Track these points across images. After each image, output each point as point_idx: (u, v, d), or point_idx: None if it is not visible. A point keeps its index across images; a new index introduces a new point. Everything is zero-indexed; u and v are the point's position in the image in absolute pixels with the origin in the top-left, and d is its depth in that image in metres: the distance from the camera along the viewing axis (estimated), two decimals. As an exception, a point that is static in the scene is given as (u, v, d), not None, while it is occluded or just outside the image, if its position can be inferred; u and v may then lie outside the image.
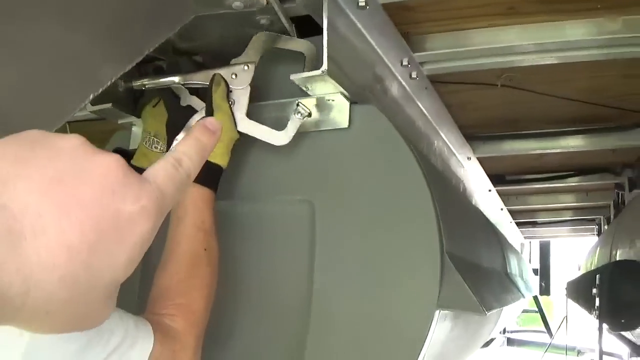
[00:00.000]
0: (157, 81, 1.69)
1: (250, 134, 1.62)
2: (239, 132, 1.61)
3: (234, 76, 1.63)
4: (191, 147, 0.80)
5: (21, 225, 0.58)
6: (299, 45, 1.65)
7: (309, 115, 1.61)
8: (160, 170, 0.74)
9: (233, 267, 1.68)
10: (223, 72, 1.64)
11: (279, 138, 1.61)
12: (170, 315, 1.33)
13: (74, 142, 0.66)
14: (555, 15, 2.14)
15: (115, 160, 0.68)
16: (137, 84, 1.70)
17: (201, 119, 0.89)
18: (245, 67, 1.63)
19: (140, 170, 1.58)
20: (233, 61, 1.65)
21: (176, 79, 1.65)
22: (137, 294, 1.73)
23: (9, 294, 0.57)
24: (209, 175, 1.54)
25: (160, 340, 1.22)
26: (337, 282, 1.58)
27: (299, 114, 1.60)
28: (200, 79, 1.66)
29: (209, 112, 1.58)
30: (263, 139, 1.62)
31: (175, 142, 1.63)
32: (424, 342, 1.49)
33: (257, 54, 1.65)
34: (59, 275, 0.59)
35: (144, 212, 0.68)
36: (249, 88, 1.63)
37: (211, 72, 1.62)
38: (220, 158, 1.55)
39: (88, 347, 1.05)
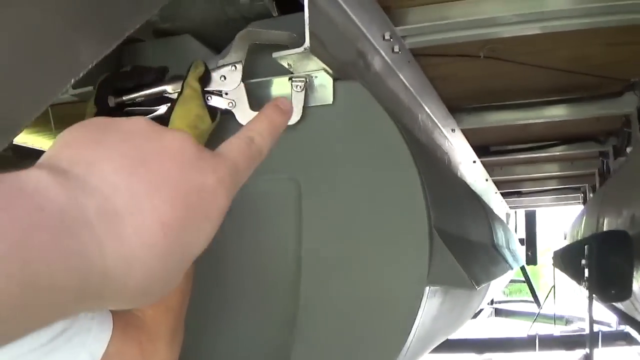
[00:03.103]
0: (147, 92, 1.66)
1: None
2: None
3: (223, 78, 1.62)
4: (262, 124, 0.80)
5: (115, 205, 0.57)
6: (280, 37, 1.63)
7: (307, 85, 1.60)
8: (233, 146, 0.74)
9: (218, 249, 1.67)
10: (212, 75, 1.63)
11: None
12: None
13: (141, 123, 0.66)
14: (537, -16, 2.14)
15: (186, 136, 0.67)
16: (127, 97, 1.67)
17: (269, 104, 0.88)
18: (233, 68, 1.62)
19: None
20: (220, 63, 1.63)
21: (168, 87, 1.63)
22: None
23: (114, 275, 0.56)
24: None
25: (121, 328, 1.19)
26: (325, 261, 1.57)
27: (298, 87, 1.59)
28: None
29: (181, 89, 1.57)
30: None
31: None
32: (415, 318, 1.48)
33: (243, 52, 1.64)
34: (157, 252, 0.59)
35: (223, 184, 0.67)
36: (242, 85, 1.62)
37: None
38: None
39: None
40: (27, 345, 1.02)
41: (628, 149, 4.00)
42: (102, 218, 0.55)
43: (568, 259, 4.45)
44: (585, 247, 2.87)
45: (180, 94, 1.56)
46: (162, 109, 1.61)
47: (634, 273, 2.22)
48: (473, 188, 3.95)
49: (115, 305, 0.61)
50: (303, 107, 1.60)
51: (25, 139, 3.85)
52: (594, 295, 3.00)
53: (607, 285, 2.38)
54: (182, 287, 1.40)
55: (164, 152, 0.63)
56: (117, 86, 1.68)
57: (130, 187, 0.58)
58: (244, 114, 1.60)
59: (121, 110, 1.68)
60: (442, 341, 2.82)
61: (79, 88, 1.75)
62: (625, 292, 2.25)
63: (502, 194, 6.48)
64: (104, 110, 1.66)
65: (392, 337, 1.50)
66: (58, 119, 3.12)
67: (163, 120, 1.55)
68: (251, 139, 0.76)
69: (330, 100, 1.61)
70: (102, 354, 1.13)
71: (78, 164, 0.58)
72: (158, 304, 1.30)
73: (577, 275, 3.34)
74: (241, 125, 1.60)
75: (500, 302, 11.42)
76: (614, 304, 3.77)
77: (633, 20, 2.22)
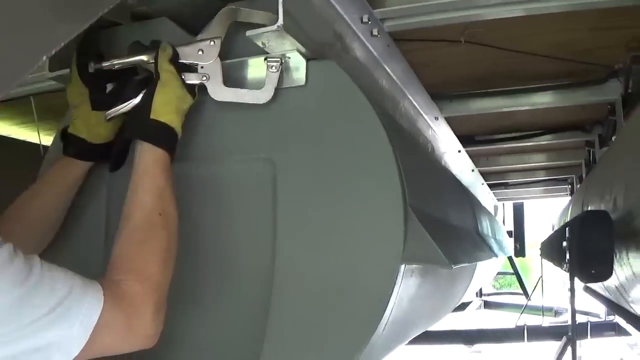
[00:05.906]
0: (126, 60, 1.67)
1: (230, 100, 1.62)
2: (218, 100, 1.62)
3: (200, 52, 1.63)
4: None
5: None
6: (261, 17, 1.62)
7: (281, 66, 1.60)
8: None
9: (193, 231, 1.66)
10: (189, 48, 1.63)
11: (261, 96, 1.60)
12: (125, 280, 1.31)
13: None
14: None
15: None
16: (106, 64, 1.68)
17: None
18: (212, 43, 1.62)
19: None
20: (199, 37, 1.65)
21: (144, 57, 1.63)
22: (100, 266, 1.71)
23: None
24: (160, 135, 1.50)
25: (111, 302, 1.22)
26: (300, 241, 1.56)
27: (273, 68, 1.59)
28: None
29: (156, 75, 1.56)
30: (245, 102, 1.61)
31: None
32: (390, 297, 1.48)
33: (223, 28, 1.64)
34: None
35: None
36: (218, 60, 1.62)
37: (178, 49, 1.62)
38: (169, 118, 1.52)
39: (24, 300, 1.06)
40: (29, 317, 1.07)
41: (613, 138, 4.01)
42: None
43: (552, 245, 4.45)
44: (566, 229, 2.87)
45: (156, 79, 1.55)
46: (137, 100, 1.60)
47: (616, 257, 2.22)
48: (459, 178, 3.96)
49: None
50: (276, 88, 1.60)
51: (9, 130, 3.83)
52: (575, 277, 2.99)
53: (587, 265, 2.37)
54: (166, 264, 1.42)
55: None
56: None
57: None
58: (217, 88, 1.60)
59: (101, 77, 1.70)
60: (425, 329, 2.81)
61: (56, 70, 1.74)
62: (605, 270, 2.24)
63: (489, 185, 6.49)
64: (85, 75, 1.67)
65: (367, 315, 1.49)
66: (42, 109, 3.13)
67: (142, 109, 1.54)
68: None
69: (302, 82, 1.61)
70: (93, 325, 1.17)
71: None
72: (143, 281, 1.34)
73: (559, 260, 3.33)
74: (214, 101, 1.62)
75: (489, 295, 11.45)
76: (601, 293, 3.77)
77: (617, 2, 2.21)
